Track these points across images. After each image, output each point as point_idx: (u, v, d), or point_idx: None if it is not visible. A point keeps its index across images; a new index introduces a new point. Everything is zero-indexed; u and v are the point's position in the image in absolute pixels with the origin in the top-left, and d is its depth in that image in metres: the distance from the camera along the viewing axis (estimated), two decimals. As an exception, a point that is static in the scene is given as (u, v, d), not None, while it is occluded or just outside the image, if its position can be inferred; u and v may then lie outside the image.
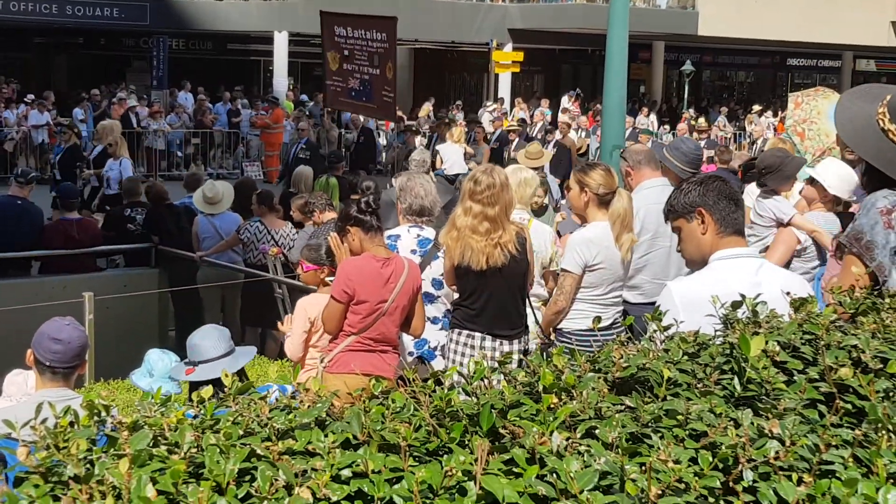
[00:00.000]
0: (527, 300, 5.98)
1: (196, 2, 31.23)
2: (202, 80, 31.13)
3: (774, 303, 3.01)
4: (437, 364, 6.25)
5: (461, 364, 5.71)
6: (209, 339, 5.04)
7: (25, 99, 25.40)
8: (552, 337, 6.05)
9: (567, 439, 2.00)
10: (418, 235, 6.43)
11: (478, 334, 5.78)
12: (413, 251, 6.33)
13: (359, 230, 5.65)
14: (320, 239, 7.03)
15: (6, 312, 8.70)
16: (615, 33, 9.79)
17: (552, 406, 2.15)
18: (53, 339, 4.34)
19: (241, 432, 1.97)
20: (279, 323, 6.72)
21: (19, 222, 10.48)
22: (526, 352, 5.82)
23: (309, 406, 2.13)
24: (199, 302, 10.96)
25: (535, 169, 12.27)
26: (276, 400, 2.24)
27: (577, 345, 5.56)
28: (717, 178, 3.70)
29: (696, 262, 3.77)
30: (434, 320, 6.35)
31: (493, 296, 5.74)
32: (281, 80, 31.85)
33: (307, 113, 26.07)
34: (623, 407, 2.25)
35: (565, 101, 33.25)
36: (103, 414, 2.11)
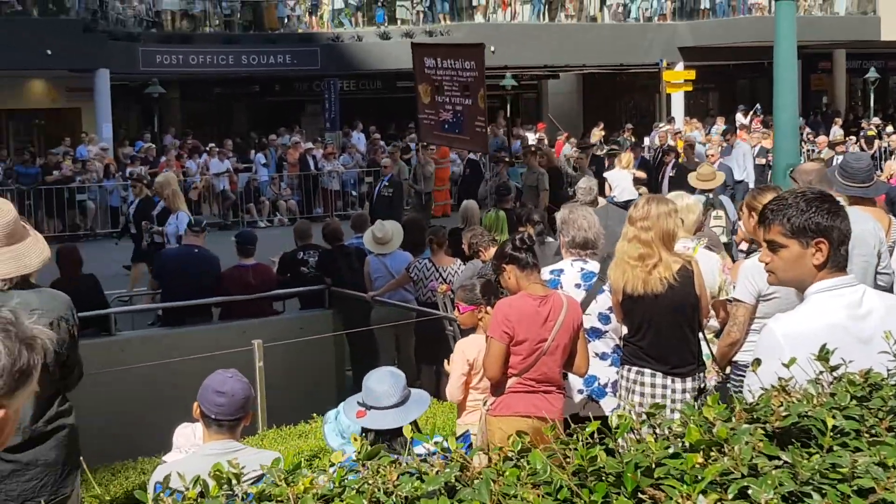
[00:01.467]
0: (700, 334, 5.76)
1: (364, 43, 31.87)
2: (373, 118, 31.71)
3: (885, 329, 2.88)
4: (608, 402, 6.08)
5: (630, 402, 5.54)
6: (384, 384, 4.97)
7: (206, 147, 26.37)
8: (728, 370, 5.80)
9: (716, 502, 1.84)
10: (582, 269, 6.27)
11: (647, 371, 5.60)
12: (577, 285, 6.18)
13: (514, 268, 5.55)
14: (475, 279, 6.94)
15: (184, 362, 8.94)
16: (783, 47, 9.41)
17: (700, 464, 1.99)
18: (217, 392, 4.39)
19: (364, 502, 1.89)
20: (445, 362, 6.66)
21: (197, 270, 10.80)
22: (701, 389, 5.60)
23: (438, 471, 2.03)
24: (374, 342, 11.03)
25: (707, 191, 11.97)
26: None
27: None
28: (838, 204, 3.31)
29: (785, 285, 3.50)
30: (602, 356, 6.19)
31: (660, 330, 5.56)
32: (450, 115, 32.09)
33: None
34: (781, 462, 2.07)
35: (740, 118, 32.43)
36: (233, 482, 2.07)
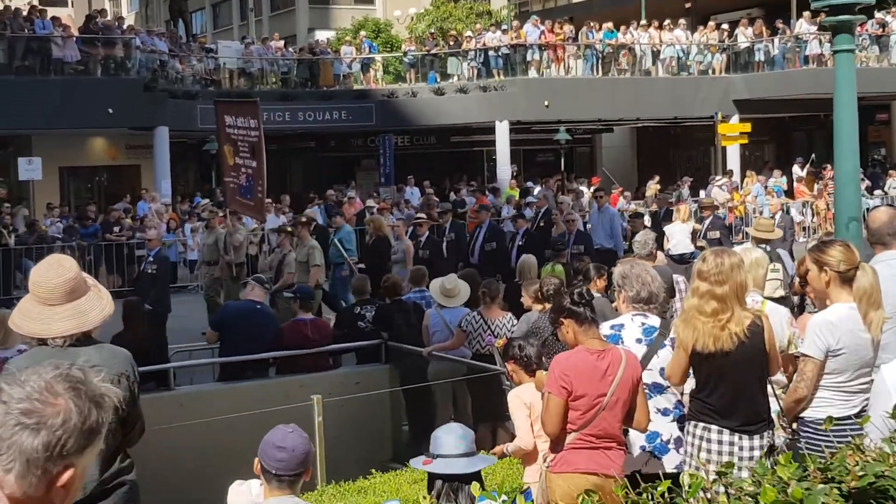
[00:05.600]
0: (768, 391, 5.65)
1: (418, 99, 32.15)
2: (427, 174, 31.85)
3: None
4: (670, 459, 5.96)
5: (697, 459, 5.45)
6: (452, 434, 5.04)
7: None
8: (794, 426, 5.68)
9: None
10: (643, 324, 6.19)
11: (714, 427, 5.50)
12: (638, 340, 6.11)
13: (572, 322, 5.49)
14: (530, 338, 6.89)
15: (243, 417, 8.96)
16: (843, 96, 9.27)
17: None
18: (278, 447, 4.38)
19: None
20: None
21: (257, 325, 10.89)
22: (771, 447, 5.49)
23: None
24: (431, 397, 10.99)
25: (764, 242, 11.86)
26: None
27: (820, 437, 5.18)
28: None
29: None
30: (664, 412, 6.08)
31: (729, 386, 5.47)
32: (504, 169, 32.22)
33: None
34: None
35: (797, 170, 32.20)
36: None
